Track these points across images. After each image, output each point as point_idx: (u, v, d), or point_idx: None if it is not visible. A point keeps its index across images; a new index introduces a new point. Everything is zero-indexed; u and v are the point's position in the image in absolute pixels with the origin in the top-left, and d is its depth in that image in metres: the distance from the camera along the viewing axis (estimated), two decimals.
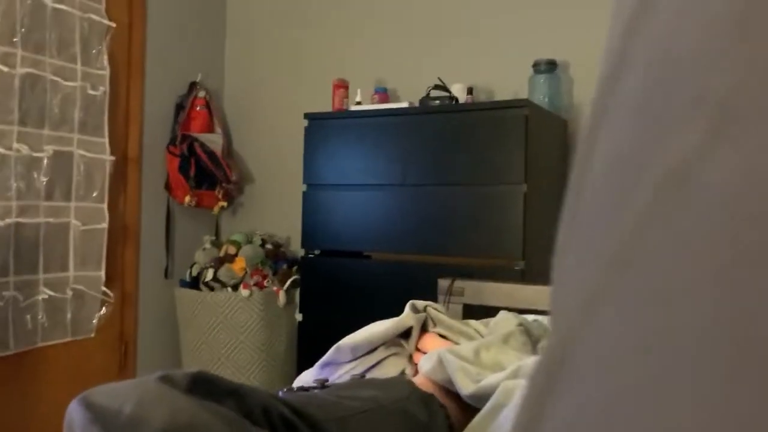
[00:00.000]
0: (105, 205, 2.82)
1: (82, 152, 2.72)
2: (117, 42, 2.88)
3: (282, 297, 2.92)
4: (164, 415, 0.53)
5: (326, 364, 1.13)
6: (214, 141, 3.18)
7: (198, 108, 3.21)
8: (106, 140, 2.82)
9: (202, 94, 3.23)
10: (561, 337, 0.16)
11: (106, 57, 2.81)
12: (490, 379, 0.81)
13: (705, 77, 0.14)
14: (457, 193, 2.40)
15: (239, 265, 2.93)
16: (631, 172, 0.15)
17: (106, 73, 2.81)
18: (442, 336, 1.11)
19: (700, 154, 0.14)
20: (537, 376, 0.16)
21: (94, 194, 2.78)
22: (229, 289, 2.91)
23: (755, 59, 0.13)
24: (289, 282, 2.97)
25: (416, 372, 0.99)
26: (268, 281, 2.93)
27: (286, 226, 3.26)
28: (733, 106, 0.13)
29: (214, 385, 0.59)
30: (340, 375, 1.08)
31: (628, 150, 0.16)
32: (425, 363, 0.91)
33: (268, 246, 3.07)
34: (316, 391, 0.85)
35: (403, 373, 1.04)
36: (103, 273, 2.81)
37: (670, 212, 0.14)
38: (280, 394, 0.85)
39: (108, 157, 2.82)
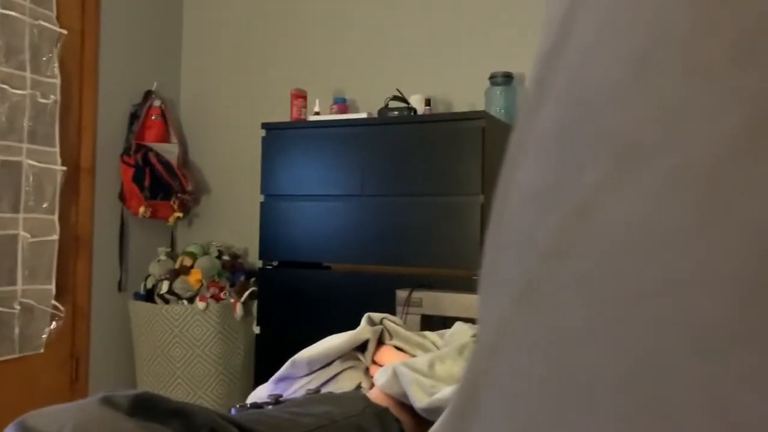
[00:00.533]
0: (56, 217, 2.74)
1: (31, 162, 2.64)
2: (69, 49, 2.81)
3: (239, 309, 2.88)
4: None
5: (281, 379, 1.12)
6: (170, 151, 3.13)
7: (153, 117, 3.15)
8: (57, 150, 2.75)
9: (157, 103, 3.18)
10: (473, 373, 0.16)
11: (57, 65, 2.74)
12: (444, 391, 0.80)
13: (608, 115, 0.14)
14: (415, 204, 2.40)
15: (195, 277, 2.88)
16: (541, 208, 0.16)
17: (57, 81, 2.74)
18: (398, 348, 1.10)
19: (602, 191, 0.14)
20: (451, 415, 0.16)
21: (45, 205, 2.70)
22: (185, 301, 2.85)
23: (654, 98, 0.13)
24: (246, 294, 2.93)
25: (372, 385, 0.99)
26: (224, 293, 2.89)
27: (244, 237, 3.22)
28: (633, 143, 0.13)
29: (158, 406, 0.57)
30: (296, 390, 1.07)
31: (538, 184, 0.16)
32: (380, 376, 0.91)
33: (225, 257, 3.02)
34: (269, 407, 0.83)
35: (359, 386, 1.03)
36: (53, 286, 2.73)
37: (572, 249, 0.14)
38: (233, 411, 0.83)
39: (59, 167, 2.75)
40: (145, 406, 0.57)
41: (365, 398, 0.82)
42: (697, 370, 0.11)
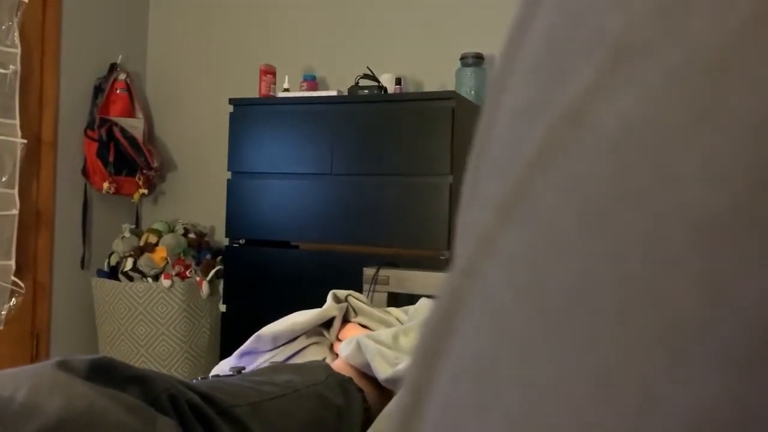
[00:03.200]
0: (16, 191, 2.67)
1: None
2: (29, 18, 2.73)
3: (205, 288, 2.85)
4: (60, 402, 0.50)
5: (245, 353, 1.11)
6: (135, 126, 3.07)
7: (118, 91, 3.08)
8: (17, 122, 2.67)
9: (122, 76, 3.11)
10: (448, 296, 0.16)
11: (17, 34, 2.65)
12: (407, 363, 0.81)
13: (603, 17, 0.14)
14: (384, 184, 2.40)
15: (160, 254, 2.84)
16: (530, 118, 0.15)
17: (17, 51, 2.66)
18: (363, 326, 1.10)
19: (593, 94, 0.13)
20: (426, 337, 0.15)
21: (4, 179, 2.63)
22: (150, 279, 2.81)
23: None
24: (212, 272, 2.90)
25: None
26: (190, 271, 2.86)
27: (210, 215, 3.18)
28: (629, 43, 0.13)
29: (116, 372, 0.56)
30: (260, 363, 1.06)
31: (529, 97, 0.15)
32: (344, 348, 0.91)
33: (191, 235, 2.99)
34: (231, 377, 0.83)
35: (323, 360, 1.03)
36: (13, 262, 2.66)
37: (561, 153, 0.13)
38: (194, 382, 0.82)
39: (19, 140, 2.67)
40: (103, 371, 0.56)
41: (328, 368, 0.82)
42: (695, 260, 0.11)
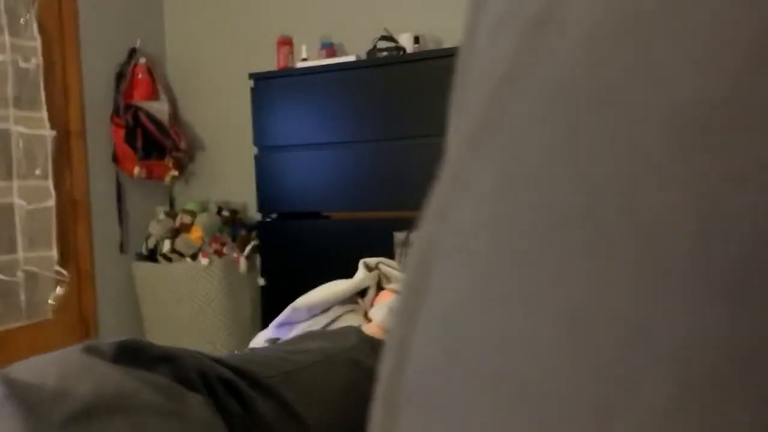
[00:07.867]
0: (50, 182, 2.72)
1: (20, 129, 2.61)
2: (46, 10, 2.74)
3: (243, 263, 2.88)
4: (88, 386, 0.50)
5: (282, 324, 1.11)
6: (160, 109, 3.08)
7: (139, 75, 3.09)
8: (45, 114, 2.71)
9: (142, 60, 3.11)
10: (424, 240, 0.14)
11: (35, 26, 2.67)
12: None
13: None
14: (409, 146, 2.37)
15: (196, 234, 2.88)
16: (503, 32, 0.14)
17: (38, 43, 2.68)
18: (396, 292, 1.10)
19: None
20: (407, 285, 0.14)
21: (37, 171, 2.68)
22: (188, 259, 2.85)
23: None
24: (249, 248, 2.93)
25: None
26: (227, 248, 2.89)
27: (241, 191, 3.19)
28: None
29: (144, 352, 0.56)
30: (296, 334, 1.07)
31: (502, 11, 0.14)
32: (377, 313, 0.90)
33: (225, 213, 3.01)
34: (264, 349, 0.83)
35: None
36: (55, 252, 2.73)
37: (528, 63, 0.12)
38: (225, 356, 0.82)
39: (48, 132, 2.71)
40: (131, 353, 0.56)
41: (359, 331, 0.81)
42: (678, 168, 0.09)
